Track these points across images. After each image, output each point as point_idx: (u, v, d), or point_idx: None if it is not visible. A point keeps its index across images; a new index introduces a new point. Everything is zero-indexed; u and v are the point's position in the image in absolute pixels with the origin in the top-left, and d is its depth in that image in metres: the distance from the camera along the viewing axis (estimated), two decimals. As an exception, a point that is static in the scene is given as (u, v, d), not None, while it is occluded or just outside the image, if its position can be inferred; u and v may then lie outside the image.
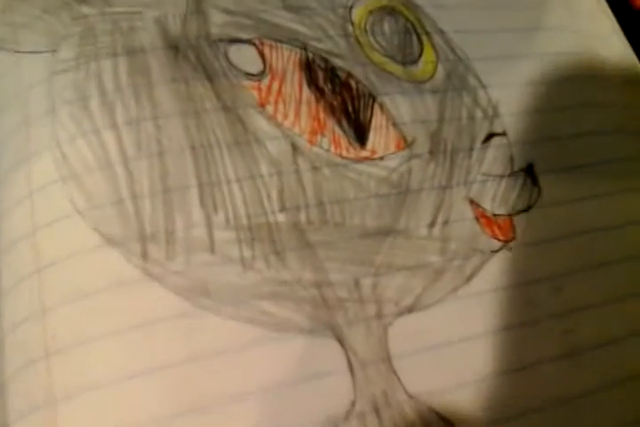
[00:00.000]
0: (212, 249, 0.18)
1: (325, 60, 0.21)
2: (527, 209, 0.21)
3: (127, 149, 0.18)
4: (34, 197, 0.18)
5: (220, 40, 0.21)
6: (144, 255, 0.17)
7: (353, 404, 0.17)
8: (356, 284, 0.18)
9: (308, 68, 0.21)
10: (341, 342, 0.17)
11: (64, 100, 0.19)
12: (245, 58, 0.20)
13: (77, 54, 0.20)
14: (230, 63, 0.20)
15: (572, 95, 0.23)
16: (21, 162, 0.19)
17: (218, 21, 0.21)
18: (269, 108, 0.20)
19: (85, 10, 0.20)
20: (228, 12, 0.21)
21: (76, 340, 0.16)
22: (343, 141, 0.20)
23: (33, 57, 0.20)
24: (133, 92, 0.19)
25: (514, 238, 0.20)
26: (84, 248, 0.17)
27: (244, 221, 0.18)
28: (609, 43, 0.25)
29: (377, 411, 0.17)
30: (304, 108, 0.20)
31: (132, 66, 0.20)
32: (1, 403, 0.17)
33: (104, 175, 0.18)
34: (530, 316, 0.19)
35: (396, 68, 0.22)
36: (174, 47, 0.20)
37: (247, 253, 0.18)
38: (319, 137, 0.20)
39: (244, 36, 0.21)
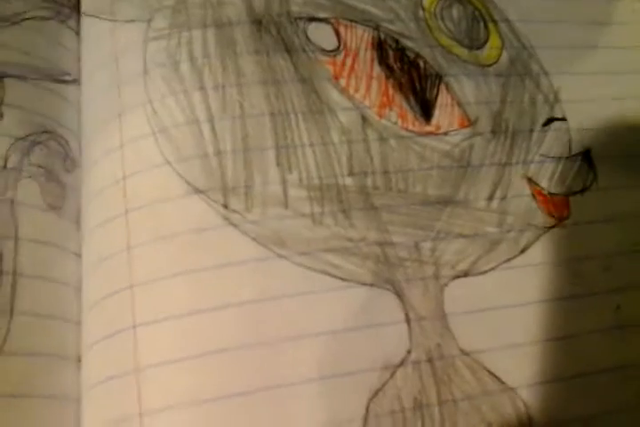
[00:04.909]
0: (285, 204, 0.19)
1: (396, 41, 0.22)
2: (582, 191, 0.21)
3: (213, 110, 0.20)
4: (125, 147, 0.20)
5: (300, 18, 0.22)
6: (225, 205, 0.19)
7: (409, 352, 0.18)
8: (416, 246, 0.19)
9: (379, 47, 0.22)
10: (400, 296, 0.18)
11: (156, 63, 0.21)
12: (322, 35, 0.22)
13: (170, 24, 0.21)
14: (308, 39, 0.22)
15: (634, 87, 0.24)
16: (113, 116, 0.20)
17: (298, 1, 0.22)
18: (342, 82, 0.21)
19: None
20: None
21: (158, 275, 0.18)
22: (409, 116, 0.21)
23: (128, 25, 0.22)
24: (220, 60, 0.21)
25: (568, 217, 0.21)
26: (170, 194, 0.19)
27: (316, 182, 0.19)
28: None
29: (431, 361, 0.18)
30: (374, 84, 0.21)
31: (220, 37, 0.21)
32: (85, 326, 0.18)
33: (191, 131, 0.19)
34: (579, 289, 0.20)
35: (462, 52, 0.23)
36: (258, 22, 0.22)
37: (317, 209, 0.19)
38: (387, 111, 0.21)
39: (321, 15, 0.22)
